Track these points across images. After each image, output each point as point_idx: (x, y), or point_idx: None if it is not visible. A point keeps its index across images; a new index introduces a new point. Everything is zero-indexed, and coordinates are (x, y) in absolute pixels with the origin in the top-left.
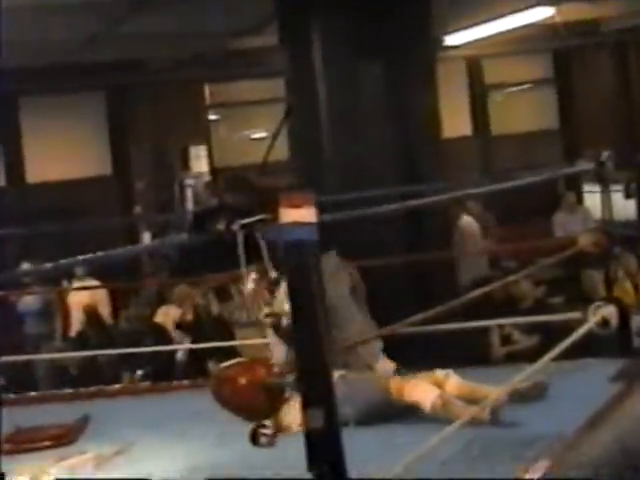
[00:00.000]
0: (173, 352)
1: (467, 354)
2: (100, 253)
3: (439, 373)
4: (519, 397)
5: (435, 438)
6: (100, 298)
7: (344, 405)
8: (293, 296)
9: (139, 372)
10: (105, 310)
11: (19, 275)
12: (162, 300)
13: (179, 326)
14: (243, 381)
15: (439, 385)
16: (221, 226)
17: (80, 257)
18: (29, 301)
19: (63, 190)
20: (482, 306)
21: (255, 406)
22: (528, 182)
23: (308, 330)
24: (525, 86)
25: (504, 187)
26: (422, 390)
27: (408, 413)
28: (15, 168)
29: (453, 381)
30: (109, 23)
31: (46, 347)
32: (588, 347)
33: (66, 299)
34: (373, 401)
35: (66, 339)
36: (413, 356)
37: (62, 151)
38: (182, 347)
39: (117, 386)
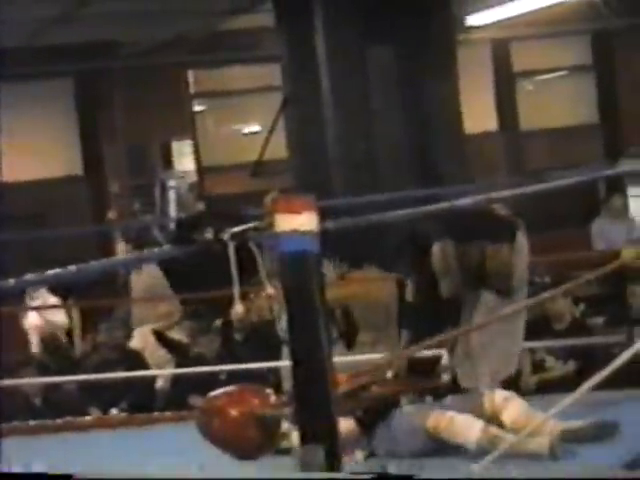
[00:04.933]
0: (152, 382)
1: None
2: (70, 268)
3: (499, 396)
4: (573, 438)
5: (476, 470)
6: (62, 320)
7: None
8: (291, 316)
9: (113, 411)
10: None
11: None
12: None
13: (160, 339)
14: (233, 412)
15: (492, 411)
16: (209, 235)
17: (44, 273)
18: None
19: (33, 191)
20: None
21: (247, 442)
22: (563, 184)
23: (309, 355)
24: (559, 74)
25: (535, 190)
26: (462, 427)
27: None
28: None
29: (511, 410)
30: None
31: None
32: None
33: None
34: (413, 442)
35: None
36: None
37: (31, 147)
38: (163, 372)
39: (88, 418)
